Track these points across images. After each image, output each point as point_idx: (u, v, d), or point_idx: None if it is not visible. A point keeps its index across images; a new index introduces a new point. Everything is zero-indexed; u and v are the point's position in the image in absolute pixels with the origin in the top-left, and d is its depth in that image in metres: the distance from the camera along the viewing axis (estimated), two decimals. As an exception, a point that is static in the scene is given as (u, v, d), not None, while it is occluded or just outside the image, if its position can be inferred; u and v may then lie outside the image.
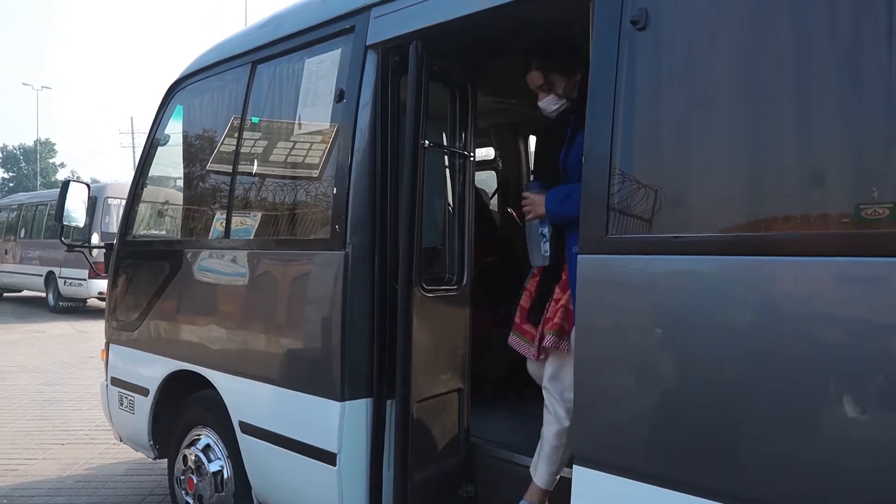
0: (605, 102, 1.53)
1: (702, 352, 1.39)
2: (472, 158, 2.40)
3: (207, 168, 2.85)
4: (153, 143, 3.26)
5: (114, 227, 11.57)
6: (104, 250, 3.53)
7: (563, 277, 2.05)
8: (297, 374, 2.27)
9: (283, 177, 2.47)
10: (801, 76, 1.35)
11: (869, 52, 1.26)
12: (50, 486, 3.69)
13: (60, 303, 11.95)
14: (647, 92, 1.54)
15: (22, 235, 13.57)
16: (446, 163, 2.43)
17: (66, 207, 3.38)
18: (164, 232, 3.24)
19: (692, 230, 1.45)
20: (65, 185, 3.43)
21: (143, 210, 3.36)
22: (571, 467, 1.58)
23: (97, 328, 10.23)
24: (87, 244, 3.70)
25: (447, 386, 2.30)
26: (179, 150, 3.19)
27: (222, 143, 2.75)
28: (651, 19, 1.49)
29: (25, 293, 14.30)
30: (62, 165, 49.04)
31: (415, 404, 2.12)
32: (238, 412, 2.50)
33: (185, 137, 3.14)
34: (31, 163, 44.39)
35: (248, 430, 2.45)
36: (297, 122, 2.44)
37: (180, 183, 3.13)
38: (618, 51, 1.53)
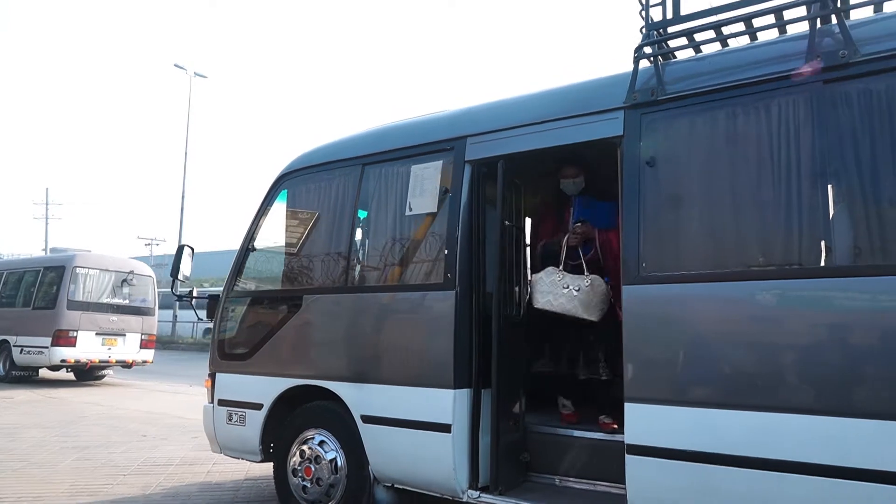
0: (633, 203, 2.84)
1: (695, 334, 2.65)
2: (522, 231, 3.67)
3: (328, 236, 3.92)
4: (261, 216, 4.31)
5: (80, 296, 11.90)
6: (208, 300, 4.46)
7: None
8: (419, 374, 3.33)
9: (403, 240, 3.60)
10: (741, 184, 2.71)
11: (784, 177, 2.63)
12: (144, 501, 4.37)
13: (14, 372, 11.89)
14: (655, 198, 2.86)
15: (-30, 305, 13.37)
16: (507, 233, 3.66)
17: (179, 265, 4.33)
18: (280, 285, 4.21)
19: (683, 270, 2.73)
20: (180, 249, 4.39)
21: (253, 268, 4.33)
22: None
23: (64, 394, 10.44)
24: (191, 295, 4.54)
25: (515, 382, 3.44)
26: (283, 222, 4.26)
27: (341, 218, 3.86)
28: (656, 162, 2.84)
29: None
30: (-37, 236, 46.27)
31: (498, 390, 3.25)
32: (360, 409, 3.50)
33: (292, 214, 4.22)
34: (-68, 233, 41.73)
35: (371, 419, 3.46)
36: (408, 207, 3.61)
37: (292, 247, 4.16)
38: (639, 176, 2.86)
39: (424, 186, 3.58)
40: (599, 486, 3.19)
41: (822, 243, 2.53)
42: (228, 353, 4.23)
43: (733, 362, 2.56)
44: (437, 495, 3.36)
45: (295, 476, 3.77)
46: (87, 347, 11.73)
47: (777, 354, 2.48)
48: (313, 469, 3.69)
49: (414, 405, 3.33)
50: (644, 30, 3.05)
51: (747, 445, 2.46)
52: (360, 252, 3.78)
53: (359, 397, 3.54)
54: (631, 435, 2.71)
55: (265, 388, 3.95)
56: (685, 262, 2.76)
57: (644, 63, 3.03)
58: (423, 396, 3.30)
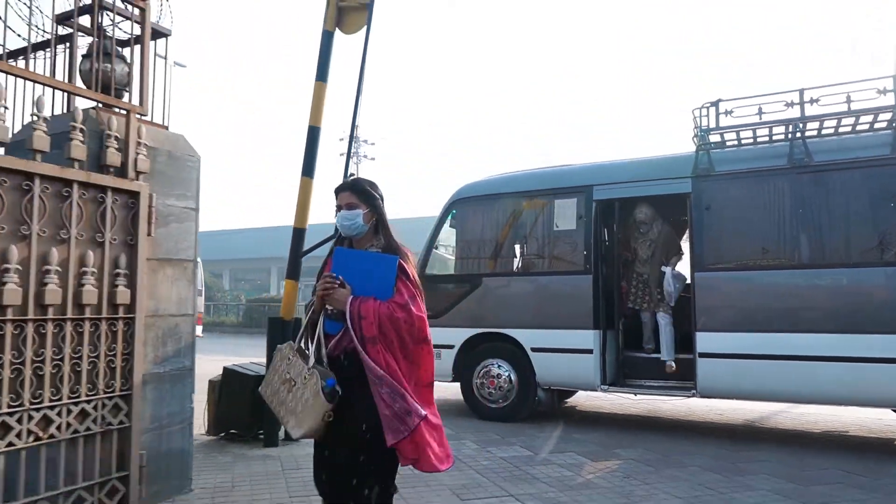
0: (699, 231, 5.45)
1: (732, 296, 5.30)
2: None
3: (497, 240, 6.34)
4: (438, 226, 6.68)
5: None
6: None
7: None
8: (572, 322, 5.82)
9: (555, 245, 6.08)
10: (757, 220, 5.35)
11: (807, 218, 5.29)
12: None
13: None
14: (710, 227, 5.46)
15: None
16: (617, 243, 6.20)
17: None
18: (460, 271, 6.59)
19: (723, 263, 5.36)
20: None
21: (435, 260, 6.68)
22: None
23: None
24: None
25: (618, 326, 6.03)
26: (456, 232, 6.65)
27: (505, 228, 6.30)
28: (711, 207, 5.45)
29: None
30: None
31: (617, 332, 5.85)
32: (530, 344, 5.98)
33: (463, 226, 6.60)
34: None
35: (538, 350, 5.94)
36: (555, 224, 6.08)
37: (467, 247, 6.54)
38: (703, 215, 5.47)
39: (566, 213, 6.07)
40: (671, 382, 5.82)
41: (797, 250, 5.20)
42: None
43: (751, 309, 5.21)
44: (579, 390, 5.90)
45: (482, 388, 6.21)
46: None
47: (772, 305, 5.14)
48: (496, 381, 6.14)
49: (569, 340, 5.84)
50: (697, 131, 5.63)
51: (760, 348, 5.12)
52: (526, 250, 6.23)
53: (529, 338, 6.01)
54: (700, 348, 5.34)
55: (456, 336, 6.34)
56: (726, 260, 5.40)
57: (702, 150, 5.62)
58: (575, 334, 5.81)
